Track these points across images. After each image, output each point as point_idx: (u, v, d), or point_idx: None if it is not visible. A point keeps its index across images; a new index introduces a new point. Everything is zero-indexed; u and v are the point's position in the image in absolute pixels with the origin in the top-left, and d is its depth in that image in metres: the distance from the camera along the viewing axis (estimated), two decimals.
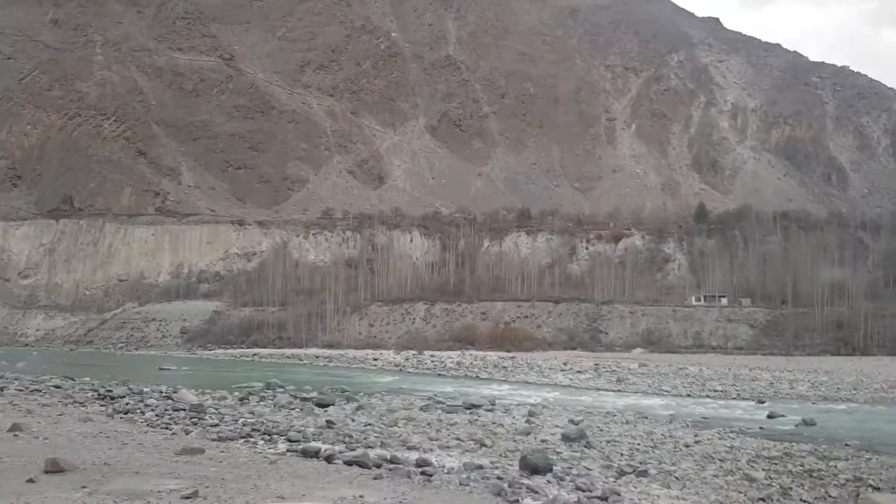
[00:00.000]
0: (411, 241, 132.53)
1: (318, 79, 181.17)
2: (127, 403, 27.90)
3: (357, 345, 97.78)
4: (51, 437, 14.96)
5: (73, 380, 38.22)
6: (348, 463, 15.92)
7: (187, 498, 9.75)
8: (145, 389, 33.62)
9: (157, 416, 24.48)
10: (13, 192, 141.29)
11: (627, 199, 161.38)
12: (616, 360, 73.16)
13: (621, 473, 17.73)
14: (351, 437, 21.64)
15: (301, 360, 78.14)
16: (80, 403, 26.46)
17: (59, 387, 33.17)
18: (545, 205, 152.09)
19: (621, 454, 20.66)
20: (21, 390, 29.32)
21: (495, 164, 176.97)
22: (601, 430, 25.47)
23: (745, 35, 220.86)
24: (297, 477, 11.78)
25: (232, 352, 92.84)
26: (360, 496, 10.13)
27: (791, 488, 16.50)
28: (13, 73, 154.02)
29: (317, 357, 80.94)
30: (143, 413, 24.85)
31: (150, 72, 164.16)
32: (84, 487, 10.24)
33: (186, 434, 18.73)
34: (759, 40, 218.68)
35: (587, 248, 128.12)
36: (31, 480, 10.63)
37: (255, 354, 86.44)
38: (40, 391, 29.29)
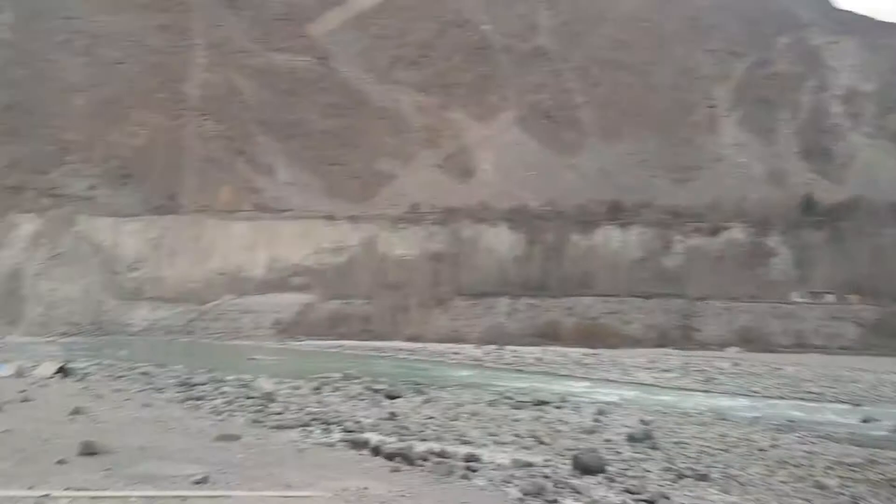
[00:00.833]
0: (498, 234, 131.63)
1: (409, 75, 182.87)
2: (203, 390, 29.06)
3: (439, 338, 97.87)
4: (105, 421, 15.58)
5: (164, 367, 40.19)
6: (391, 455, 15.71)
7: (197, 483, 9.85)
8: (227, 378, 34.88)
9: (226, 403, 25.29)
10: (123, 189, 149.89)
11: (729, 189, 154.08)
12: (707, 359, 70.14)
13: (680, 476, 16.85)
14: (408, 429, 21.61)
15: (383, 352, 79.16)
16: (158, 389, 27.72)
17: (147, 373, 34.96)
18: (639, 197, 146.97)
19: (687, 457, 19.68)
20: (108, 376, 31.05)
21: (587, 156, 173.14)
22: (672, 432, 24.39)
23: (859, 15, 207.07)
24: (316, 466, 11.73)
25: (319, 343, 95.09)
26: (365, 487, 9.96)
27: (864, 498, 15.17)
28: (123, 78, 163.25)
29: (399, 350, 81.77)
30: (213, 400, 25.75)
31: (248, 73, 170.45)
32: (107, 469, 10.53)
33: (242, 420, 19.13)
34: (875, 20, 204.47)
35: (683, 242, 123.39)
36: (62, 461, 11.04)
37: (340, 346, 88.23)
38: (124, 377, 30.91)
